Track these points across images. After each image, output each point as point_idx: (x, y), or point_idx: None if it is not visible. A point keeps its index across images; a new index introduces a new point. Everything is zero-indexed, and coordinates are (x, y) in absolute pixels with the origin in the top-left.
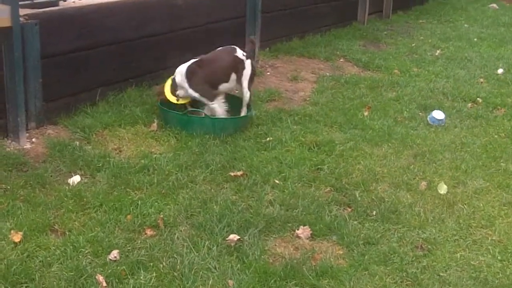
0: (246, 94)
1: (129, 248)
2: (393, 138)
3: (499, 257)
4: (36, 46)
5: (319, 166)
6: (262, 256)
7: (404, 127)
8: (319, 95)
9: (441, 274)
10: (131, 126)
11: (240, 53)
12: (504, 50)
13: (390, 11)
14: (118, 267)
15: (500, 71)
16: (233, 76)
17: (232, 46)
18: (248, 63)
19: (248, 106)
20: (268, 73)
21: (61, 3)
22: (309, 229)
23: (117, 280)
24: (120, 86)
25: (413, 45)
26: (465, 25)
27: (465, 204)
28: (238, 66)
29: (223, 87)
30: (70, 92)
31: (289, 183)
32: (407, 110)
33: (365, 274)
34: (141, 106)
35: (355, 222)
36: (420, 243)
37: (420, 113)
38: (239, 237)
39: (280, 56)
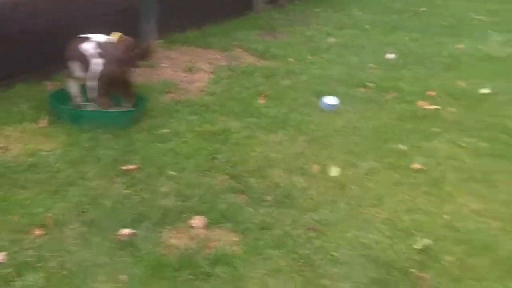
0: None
1: (16, 249)
2: (288, 125)
3: (387, 234)
4: None
5: (215, 155)
6: (156, 249)
7: (299, 113)
8: (215, 85)
9: (333, 253)
10: (19, 124)
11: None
12: (396, 36)
13: (287, 0)
14: (5, 270)
15: (391, 56)
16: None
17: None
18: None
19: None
20: (164, 65)
21: None
22: (204, 218)
23: (3, 283)
24: (7, 82)
25: (308, 33)
26: (359, 13)
27: (356, 185)
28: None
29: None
30: None
31: (184, 173)
32: (302, 97)
33: (259, 258)
34: (30, 103)
35: (250, 209)
36: (312, 225)
37: (314, 100)
38: (132, 231)
39: (176, 47)
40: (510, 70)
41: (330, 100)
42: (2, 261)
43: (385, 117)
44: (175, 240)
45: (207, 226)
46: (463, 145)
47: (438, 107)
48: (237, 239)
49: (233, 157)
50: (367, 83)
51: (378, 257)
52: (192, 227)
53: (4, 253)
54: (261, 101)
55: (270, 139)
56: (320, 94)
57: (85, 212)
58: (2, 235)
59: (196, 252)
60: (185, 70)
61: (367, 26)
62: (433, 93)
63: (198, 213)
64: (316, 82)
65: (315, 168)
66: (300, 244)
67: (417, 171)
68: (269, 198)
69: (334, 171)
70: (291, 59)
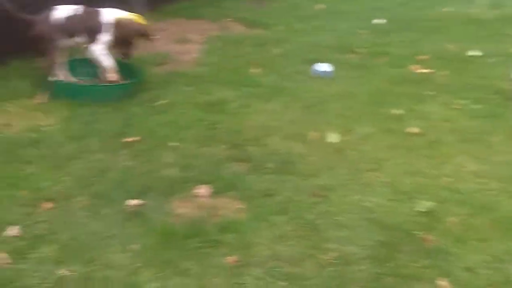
0: None
1: (28, 223)
2: (283, 92)
3: (389, 197)
4: None
5: (214, 126)
6: (165, 218)
7: (292, 81)
8: (208, 56)
9: (336, 218)
10: (19, 100)
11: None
12: (383, 1)
13: None
14: (20, 243)
15: (380, 21)
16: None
17: None
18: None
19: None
20: (156, 37)
21: None
22: (209, 187)
23: (19, 256)
24: (3, 59)
25: (295, 1)
26: None
27: (354, 150)
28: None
29: None
30: None
31: (186, 144)
32: (294, 65)
33: (265, 225)
34: (28, 79)
35: (253, 176)
36: (315, 191)
37: (306, 67)
38: (140, 202)
39: (168, 18)
40: (497, 33)
41: (324, 67)
42: (17, 235)
43: (378, 82)
44: (182, 209)
45: (212, 195)
46: (457, 107)
47: (429, 70)
48: (242, 207)
49: (231, 127)
50: (357, 49)
51: (381, 220)
52: (197, 196)
53: (17, 226)
54: (254, 70)
55: (267, 108)
56: (311, 62)
57: (92, 185)
58: (14, 210)
59: (204, 220)
60: (177, 41)
61: None
62: (424, 57)
63: (202, 182)
64: (306, 49)
65: (313, 134)
66: (304, 209)
67: (413, 134)
68: (270, 165)
69: (332, 137)
70: (279, 27)
